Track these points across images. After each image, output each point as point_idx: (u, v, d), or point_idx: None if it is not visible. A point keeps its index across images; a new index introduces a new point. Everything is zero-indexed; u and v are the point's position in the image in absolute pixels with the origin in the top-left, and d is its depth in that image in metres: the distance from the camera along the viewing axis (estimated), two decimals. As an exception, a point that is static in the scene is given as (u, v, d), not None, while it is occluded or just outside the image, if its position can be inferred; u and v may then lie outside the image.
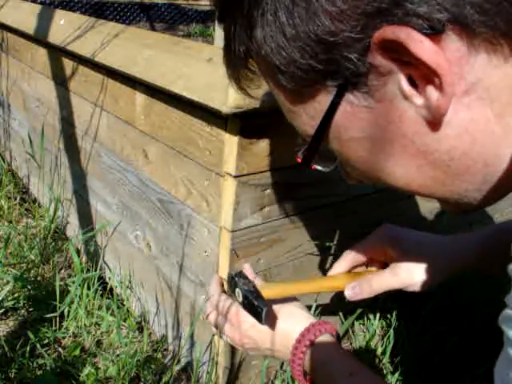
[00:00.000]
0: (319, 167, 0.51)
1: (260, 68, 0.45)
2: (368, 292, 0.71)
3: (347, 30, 0.36)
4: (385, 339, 1.03)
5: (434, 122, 0.38)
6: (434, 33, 0.34)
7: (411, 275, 0.69)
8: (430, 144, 0.39)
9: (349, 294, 0.72)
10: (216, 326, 0.75)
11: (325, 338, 0.67)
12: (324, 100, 0.41)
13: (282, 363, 0.97)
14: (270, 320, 0.69)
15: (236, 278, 0.70)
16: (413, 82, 0.37)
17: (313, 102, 0.42)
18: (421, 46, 0.34)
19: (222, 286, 0.80)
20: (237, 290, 0.69)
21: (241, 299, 0.69)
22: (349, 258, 0.76)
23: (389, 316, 1.06)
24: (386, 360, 1.02)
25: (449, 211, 0.48)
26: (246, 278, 0.71)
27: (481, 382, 0.93)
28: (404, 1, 0.34)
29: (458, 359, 0.98)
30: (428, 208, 1.14)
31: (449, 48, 0.35)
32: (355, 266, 0.77)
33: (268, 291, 0.69)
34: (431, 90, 0.36)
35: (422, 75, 0.36)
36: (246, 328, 0.70)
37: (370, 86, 0.38)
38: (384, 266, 0.76)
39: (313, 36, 0.37)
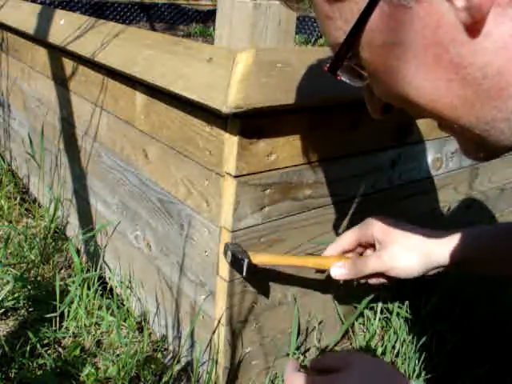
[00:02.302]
0: (345, 79, 0.48)
1: None
2: (353, 272, 0.75)
3: None
4: (385, 339, 1.03)
5: (473, 27, 0.36)
6: None
7: (394, 259, 0.72)
8: (465, 55, 0.37)
9: (334, 272, 0.76)
10: None
11: None
12: None
13: (282, 364, 0.97)
14: (252, 276, 0.72)
15: (230, 245, 0.79)
16: None
17: (350, 2, 0.40)
18: None
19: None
20: (228, 252, 0.78)
21: (229, 259, 0.77)
22: (340, 243, 0.80)
23: (389, 316, 1.06)
24: (385, 360, 1.02)
25: (469, 154, 0.46)
26: (239, 246, 0.79)
27: (481, 382, 0.93)
28: None
29: (458, 359, 0.98)
30: (428, 208, 1.14)
31: None
32: (347, 252, 0.80)
33: (258, 257, 0.77)
34: None
35: None
36: None
37: None
38: None
39: None
